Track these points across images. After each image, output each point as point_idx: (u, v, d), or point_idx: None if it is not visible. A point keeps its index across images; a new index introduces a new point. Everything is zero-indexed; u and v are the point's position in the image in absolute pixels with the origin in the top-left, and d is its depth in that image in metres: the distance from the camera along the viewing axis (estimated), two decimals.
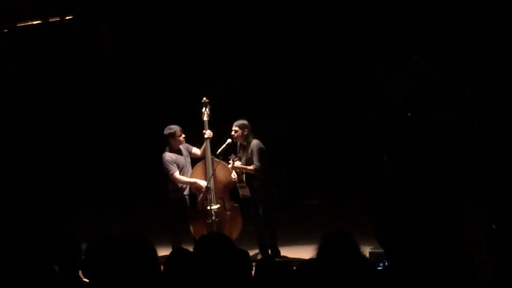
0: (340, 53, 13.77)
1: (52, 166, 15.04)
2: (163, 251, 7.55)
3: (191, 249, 6.17)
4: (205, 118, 10.20)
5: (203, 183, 10.01)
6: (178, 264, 5.28)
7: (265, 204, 9.91)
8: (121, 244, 3.49)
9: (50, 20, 16.61)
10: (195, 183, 10.07)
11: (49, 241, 2.91)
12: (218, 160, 10.00)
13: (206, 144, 10.12)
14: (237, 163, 9.92)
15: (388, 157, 11.98)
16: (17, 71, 16.74)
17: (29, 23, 16.77)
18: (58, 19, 16.47)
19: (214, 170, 9.98)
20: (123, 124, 15.33)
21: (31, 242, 2.80)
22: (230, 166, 9.94)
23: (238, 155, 10.07)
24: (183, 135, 10.15)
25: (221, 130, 10.28)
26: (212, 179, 10.01)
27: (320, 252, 4.32)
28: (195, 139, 10.35)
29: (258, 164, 9.84)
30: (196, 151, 10.28)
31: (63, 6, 16.16)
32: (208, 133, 10.11)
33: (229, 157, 9.92)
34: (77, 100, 15.97)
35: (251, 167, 9.88)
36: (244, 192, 10.02)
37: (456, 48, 13.05)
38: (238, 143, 10.10)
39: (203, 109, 10.23)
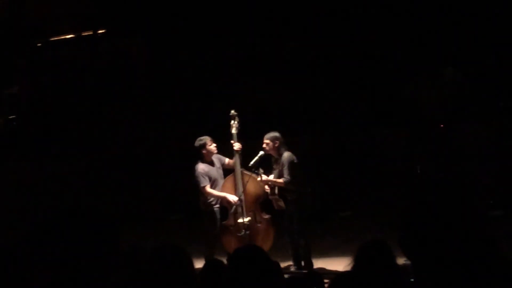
0: (373, 65, 13.74)
1: (86, 179, 15.13)
2: (196, 263, 7.54)
3: (224, 260, 6.18)
4: (234, 131, 10.21)
5: (233, 197, 10.01)
6: (213, 276, 5.28)
7: (299, 216, 9.89)
8: (159, 256, 3.51)
9: (83, 34, 16.76)
10: (225, 197, 10.07)
11: (116, 252, 2.93)
12: (248, 173, 10.00)
13: (236, 157, 10.13)
14: (265, 177, 9.91)
15: (421, 168, 11.92)
16: (50, 84, 16.89)
17: (62, 37, 16.93)
18: (91, 33, 16.61)
19: (245, 184, 9.97)
20: (155, 137, 15.41)
21: (100, 253, 2.81)
22: (259, 179, 9.93)
23: (274, 167, 10.06)
24: (214, 144, 10.17)
25: (254, 143, 10.28)
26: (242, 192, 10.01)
27: (356, 264, 4.30)
28: (225, 152, 10.36)
29: (288, 177, 9.81)
30: (230, 161, 10.29)
31: (96, 20, 16.29)
32: (237, 146, 10.11)
33: (256, 171, 9.90)
34: (110, 114, 16.07)
35: (280, 181, 9.86)
36: (279, 204, 10.02)
37: (489, 59, 12.99)
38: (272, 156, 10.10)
39: (232, 122, 10.25)
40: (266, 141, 9.96)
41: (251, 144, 10.31)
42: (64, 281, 2.69)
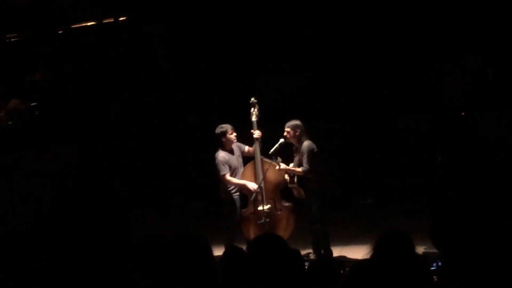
0: (393, 53, 13.68)
1: (107, 166, 15.19)
2: (216, 251, 7.55)
3: (243, 248, 6.19)
4: (254, 118, 10.21)
5: (252, 185, 10.02)
6: (233, 264, 5.30)
7: (318, 204, 9.88)
8: (179, 243, 3.52)
9: (104, 22, 16.79)
10: (244, 185, 10.08)
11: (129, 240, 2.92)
12: (268, 161, 10.01)
13: (256, 145, 10.13)
14: (283, 165, 9.90)
15: (442, 156, 11.87)
16: (72, 72, 16.95)
17: (83, 24, 16.97)
18: (112, 20, 16.64)
19: (265, 171, 9.98)
20: (175, 124, 15.44)
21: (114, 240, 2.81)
22: (277, 168, 9.93)
23: (295, 155, 10.06)
24: (235, 133, 10.17)
25: (274, 131, 10.28)
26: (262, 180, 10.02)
27: (375, 252, 4.30)
28: (245, 140, 10.37)
29: (307, 166, 9.80)
30: (249, 149, 10.30)
31: (117, 8, 16.32)
32: (257, 133, 10.11)
33: (275, 160, 9.89)
34: (130, 101, 16.12)
35: (299, 169, 9.85)
36: (298, 192, 10.02)
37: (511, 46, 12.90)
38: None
39: (252, 110, 10.25)
40: (287, 129, 9.95)
41: (271, 131, 10.31)
42: (73, 264, 2.69)
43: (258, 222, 9.97)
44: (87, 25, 16.97)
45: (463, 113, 12.67)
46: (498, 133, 12.55)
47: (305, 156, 9.81)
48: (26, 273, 3.09)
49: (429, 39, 13.37)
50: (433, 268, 6.08)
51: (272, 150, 9.95)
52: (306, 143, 9.88)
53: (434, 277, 4.45)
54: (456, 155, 12.00)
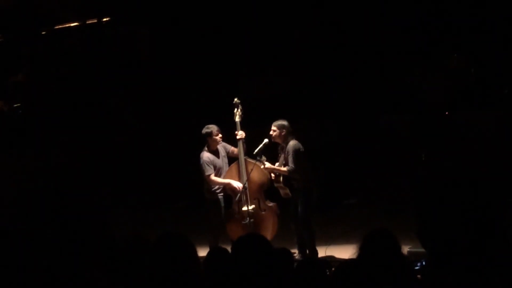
0: (377, 52, 13.71)
1: (92, 167, 15.14)
2: (201, 251, 7.54)
3: (228, 248, 6.19)
4: (237, 119, 10.21)
5: (237, 184, 10.01)
6: (217, 264, 5.29)
7: (305, 204, 9.88)
8: (162, 244, 3.51)
9: (87, 22, 16.74)
10: (229, 184, 10.08)
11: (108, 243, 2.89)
12: (253, 161, 10.00)
13: (239, 145, 10.13)
14: (268, 164, 9.90)
15: (426, 156, 11.90)
16: (55, 72, 16.89)
17: (67, 25, 16.92)
18: (95, 21, 16.59)
19: (249, 172, 9.97)
20: (161, 124, 15.42)
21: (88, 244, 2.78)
22: (262, 167, 9.93)
23: (280, 155, 10.06)
24: (220, 135, 10.16)
25: (257, 131, 10.29)
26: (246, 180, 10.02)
27: (361, 252, 4.30)
28: (228, 140, 10.36)
29: (292, 166, 9.80)
30: (234, 150, 10.29)
31: (101, 8, 16.28)
32: (240, 134, 10.12)
33: (259, 159, 9.90)
34: (115, 102, 16.08)
35: (284, 169, 9.85)
36: (284, 192, 10.01)
37: (494, 45, 12.94)
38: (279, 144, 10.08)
39: (235, 110, 10.25)
40: (273, 128, 9.96)
41: (255, 132, 10.31)
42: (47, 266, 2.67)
43: (243, 222, 9.97)
44: (70, 26, 16.91)
45: (446, 113, 12.71)
46: (481, 132, 12.61)
47: (290, 156, 9.81)
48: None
49: (412, 38, 13.39)
50: (417, 267, 6.10)
51: (256, 150, 9.95)
52: (292, 143, 9.88)
53: (418, 276, 4.46)
54: (440, 155, 12.04)
